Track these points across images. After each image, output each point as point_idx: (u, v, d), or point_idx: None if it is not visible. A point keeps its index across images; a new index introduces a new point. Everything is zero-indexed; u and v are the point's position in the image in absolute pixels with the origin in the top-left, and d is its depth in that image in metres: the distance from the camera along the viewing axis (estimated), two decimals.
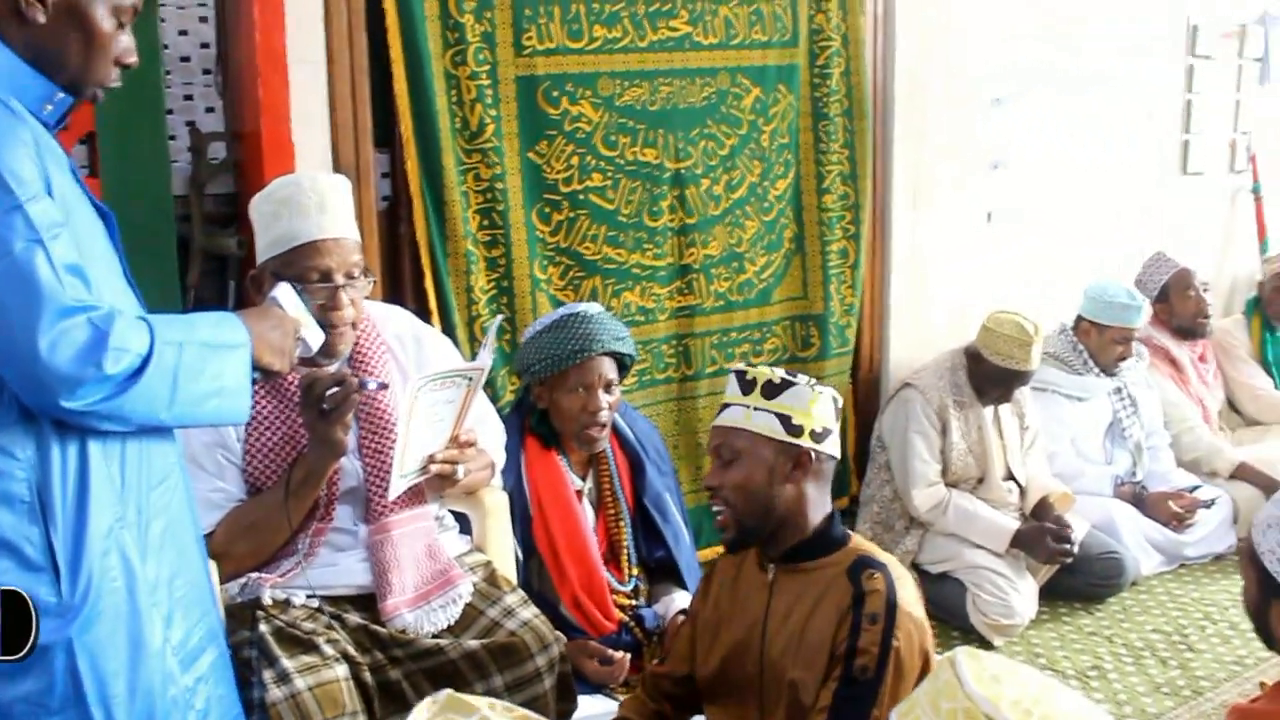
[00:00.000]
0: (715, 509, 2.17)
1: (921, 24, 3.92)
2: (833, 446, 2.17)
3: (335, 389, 2.09)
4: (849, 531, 2.20)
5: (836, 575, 2.09)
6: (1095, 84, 4.62)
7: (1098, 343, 4.01)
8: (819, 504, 2.16)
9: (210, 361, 1.62)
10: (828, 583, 2.09)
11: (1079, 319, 4.05)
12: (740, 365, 2.22)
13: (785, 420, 2.12)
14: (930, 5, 3.92)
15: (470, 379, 2.24)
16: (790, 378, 2.14)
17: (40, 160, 1.51)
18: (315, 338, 1.95)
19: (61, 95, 1.61)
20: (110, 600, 1.58)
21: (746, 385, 2.15)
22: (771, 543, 2.17)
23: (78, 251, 1.51)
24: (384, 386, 2.27)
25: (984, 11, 4.08)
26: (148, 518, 1.66)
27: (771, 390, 2.13)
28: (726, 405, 2.17)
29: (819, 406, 2.14)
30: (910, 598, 2.06)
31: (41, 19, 1.56)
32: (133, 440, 1.63)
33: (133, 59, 1.66)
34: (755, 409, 2.13)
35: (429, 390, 2.15)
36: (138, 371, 1.51)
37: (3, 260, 1.44)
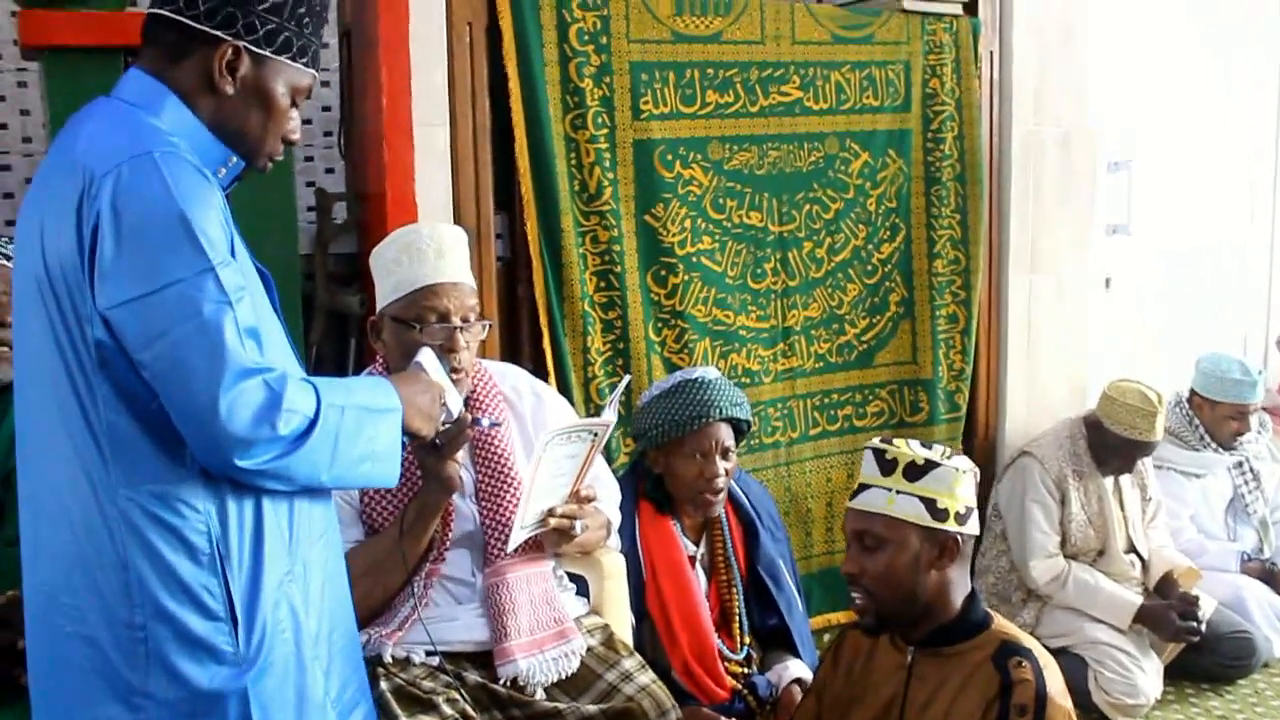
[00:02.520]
0: (854, 595, 2.10)
1: (1037, 88, 3.88)
2: (974, 526, 2.11)
3: (448, 425, 2.10)
4: (990, 612, 2.14)
5: (981, 661, 2.03)
6: (1220, 149, 4.53)
7: (1211, 418, 3.90)
8: (961, 586, 2.11)
9: (366, 425, 1.64)
10: (972, 669, 2.03)
11: (1192, 393, 3.95)
12: (878, 442, 2.13)
13: (930, 504, 2.05)
14: (1047, 69, 3.88)
15: (595, 434, 2.24)
16: (934, 458, 2.08)
17: (227, 224, 1.56)
18: (456, 403, 1.97)
19: (236, 160, 1.68)
20: (280, 651, 1.61)
21: (886, 465, 2.08)
22: (912, 627, 2.11)
23: (254, 314, 1.55)
24: (496, 425, 2.30)
25: (1102, 76, 4.03)
26: (310, 572, 1.68)
27: (915, 472, 2.06)
28: (865, 486, 2.10)
29: (962, 487, 2.08)
30: (1059, 687, 1.99)
31: (230, 91, 1.63)
32: (299, 498, 1.66)
33: (297, 136, 1.74)
34: (898, 492, 2.06)
35: (556, 444, 2.16)
36: (305, 433, 1.54)
37: (193, 321, 1.48)
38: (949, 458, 2.09)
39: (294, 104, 1.71)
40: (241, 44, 1.62)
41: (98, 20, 2.65)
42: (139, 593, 1.53)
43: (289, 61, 1.67)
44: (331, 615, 1.72)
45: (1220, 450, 3.92)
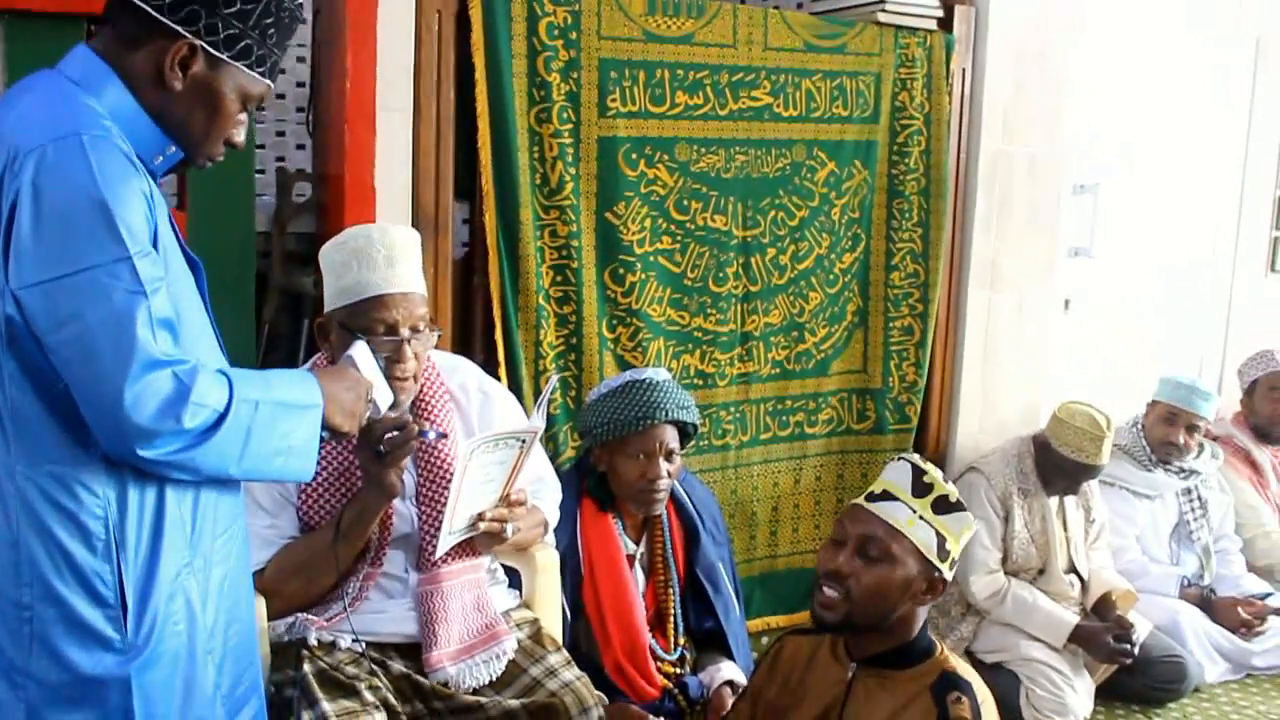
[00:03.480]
0: (828, 590, 2.07)
1: (1008, 108, 3.90)
2: (953, 574, 2.14)
3: (395, 433, 2.11)
4: (935, 640, 2.14)
5: (920, 691, 2.03)
6: (1184, 176, 4.56)
7: (1150, 422, 3.96)
8: (921, 618, 2.12)
9: (282, 421, 1.64)
10: (910, 696, 2.03)
11: (1148, 406, 4.01)
12: (918, 459, 2.13)
13: (940, 542, 2.07)
14: (1018, 90, 3.90)
15: (524, 441, 2.24)
16: (962, 503, 2.10)
17: (151, 214, 1.55)
18: (385, 399, 1.97)
19: (173, 150, 1.67)
20: (171, 643, 1.61)
21: (922, 487, 2.08)
22: (862, 642, 2.12)
23: (171, 305, 1.55)
24: (443, 436, 2.29)
25: (1071, 100, 4.06)
26: (211, 565, 1.68)
27: (944, 507, 2.08)
28: (890, 496, 2.08)
29: (966, 537, 2.11)
30: None
31: (178, 87, 1.62)
32: (205, 489, 1.66)
33: (241, 139, 1.72)
34: (921, 517, 2.06)
35: (482, 452, 2.15)
36: (213, 427, 1.54)
37: (103, 308, 1.47)
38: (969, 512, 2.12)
39: (244, 109, 1.70)
40: (199, 43, 1.61)
41: None
42: (29, 572, 1.54)
43: (244, 68, 1.66)
44: (230, 610, 1.72)
45: (1170, 471, 3.96)
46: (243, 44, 1.64)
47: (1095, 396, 3.72)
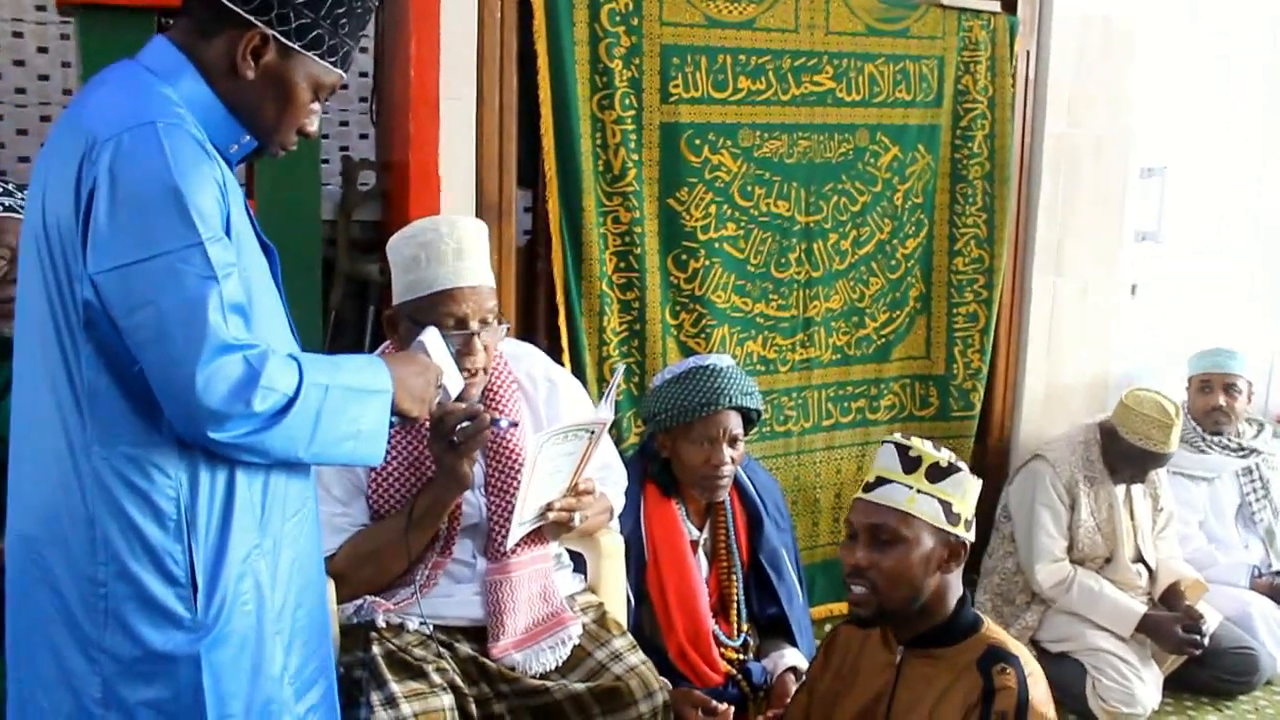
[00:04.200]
0: (855, 587, 2.10)
1: (1073, 91, 3.85)
2: (973, 534, 2.14)
3: (467, 423, 2.12)
4: (980, 615, 2.15)
5: (967, 665, 2.04)
6: (1254, 157, 4.48)
7: (1190, 398, 3.89)
8: (956, 589, 2.12)
9: (351, 405, 1.65)
10: (957, 673, 2.04)
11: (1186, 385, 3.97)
12: (899, 437, 2.14)
13: (947, 508, 2.08)
14: (1084, 72, 3.85)
15: (592, 432, 2.25)
16: (955, 463, 2.10)
17: (224, 199, 1.58)
18: (455, 385, 1.98)
19: (247, 139, 1.70)
20: (240, 623, 1.63)
21: (910, 463, 2.09)
22: (905, 625, 2.12)
23: (243, 290, 1.57)
24: (514, 425, 2.30)
25: (1138, 82, 3.99)
26: (280, 547, 1.70)
27: (938, 474, 2.08)
28: (884, 481, 2.10)
29: (972, 494, 2.12)
30: (1042, 696, 2.00)
31: (250, 76, 1.64)
32: (275, 472, 1.68)
33: (314, 129, 1.74)
34: (919, 491, 2.07)
35: (552, 444, 2.17)
36: (283, 410, 1.56)
37: (176, 293, 1.50)
38: (968, 472, 2.11)
39: (316, 99, 1.72)
40: (271, 33, 1.63)
41: None
42: (104, 550, 1.57)
43: (316, 58, 1.67)
44: (299, 592, 1.74)
45: (1228, 451, 3.89)
46: (314, 34, 1.66)
47: (1163, 383, 3.67)
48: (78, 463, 1.57)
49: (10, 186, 2.29)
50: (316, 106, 1.73)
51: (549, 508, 2.27)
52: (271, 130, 1.70)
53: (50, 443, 1.59)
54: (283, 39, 1.64)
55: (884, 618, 2.11)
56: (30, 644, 1.64)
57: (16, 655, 1.67)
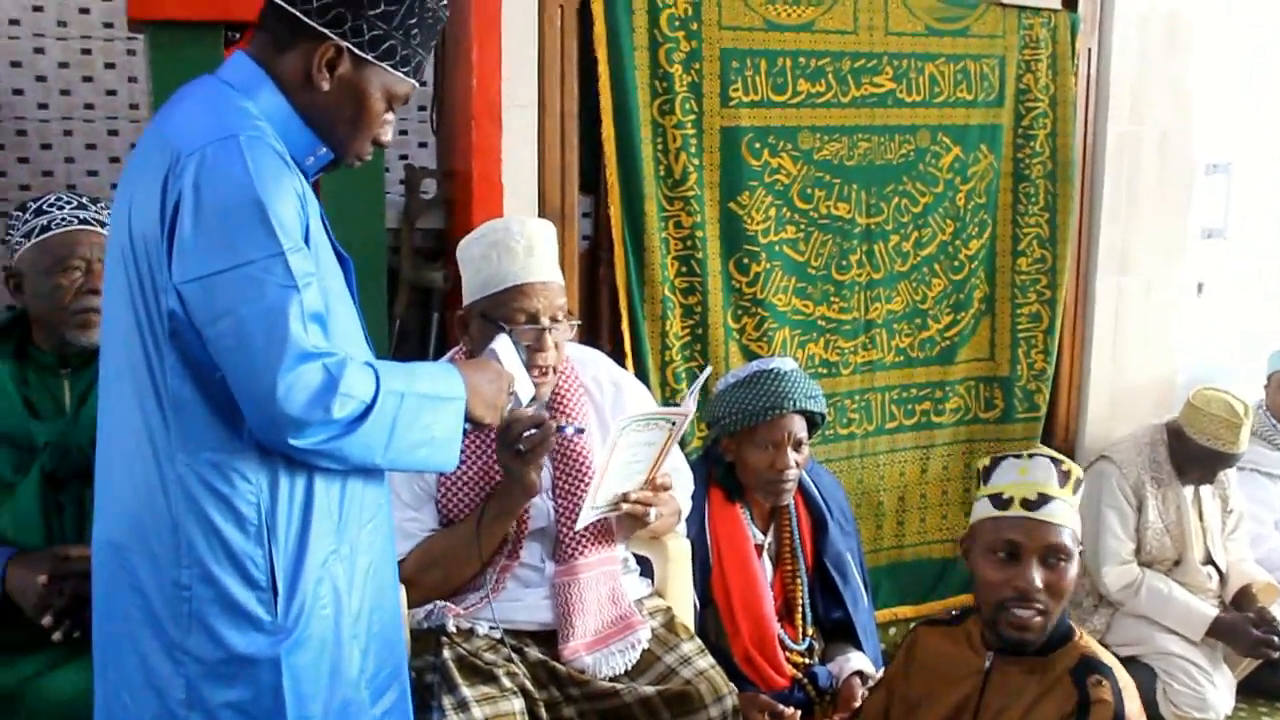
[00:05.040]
0: (1023, 611, 2.02)
1: (1135, 88, 3.80)
2: None
3: (533, 431, 2.13)
4: (1072, 624, 2.12)
5: (1060, 675, 2.01)
6: None
7: (1270, 397, 3.82)
8: None
9: (426, 412, 1.67)
10: (1050, 683, 2.02)
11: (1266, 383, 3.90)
12: (1044, 450, 2.15)
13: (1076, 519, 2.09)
14: (1146, 69, 3.80)
15: (674, 423, 2.26)
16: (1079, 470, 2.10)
17: (303, 210, 1.61)
18: (526, 392, 1.99)
19: (324, 151, 1.73)
20: (319, 626, 1.66)
21: (1063, 477, 2.08)
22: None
23: (321, 299, 1.60)
24: (580, 432, 2.31)
25: (1202, 77, 3.94)
26: (357, 553, 1.73)
27: (1077, 487, 2.09)
28: (1048, 498, 2.05)
29: None
30: (1136, 709, 1.97)
31: (325, 87, 1.67)
32: (352, 478, 1.71)
33: (388, 139, 1.77)
34: (1071, 506, 2.07)
35: (633, 430, 2.17)
36: (360, 417, 1.58)
37: (259, 302, 1.53)
38: None
39: (390, 108, 1.74)
40: (345, 44, 1.66)
41: None
42: (187, 554, 1.60)
43: (390, 69, 1.70)
44: (374, 597, 1.76)
45: None
46: (387, 44, 1.68)
47: (1230, 382, 3.62)
48: (162, 469, 1.60)
49: (85, 200, 2.34)
50: (390, 116, 1.76)
51: (624, 498, 2.28)
52: (347, 140, 1.73)
53: (136, 450, 1.62)
54: (356, 50, 1.67)
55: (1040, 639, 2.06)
56: (117, 647, 1.67)
57: (104, 658, 1.71)
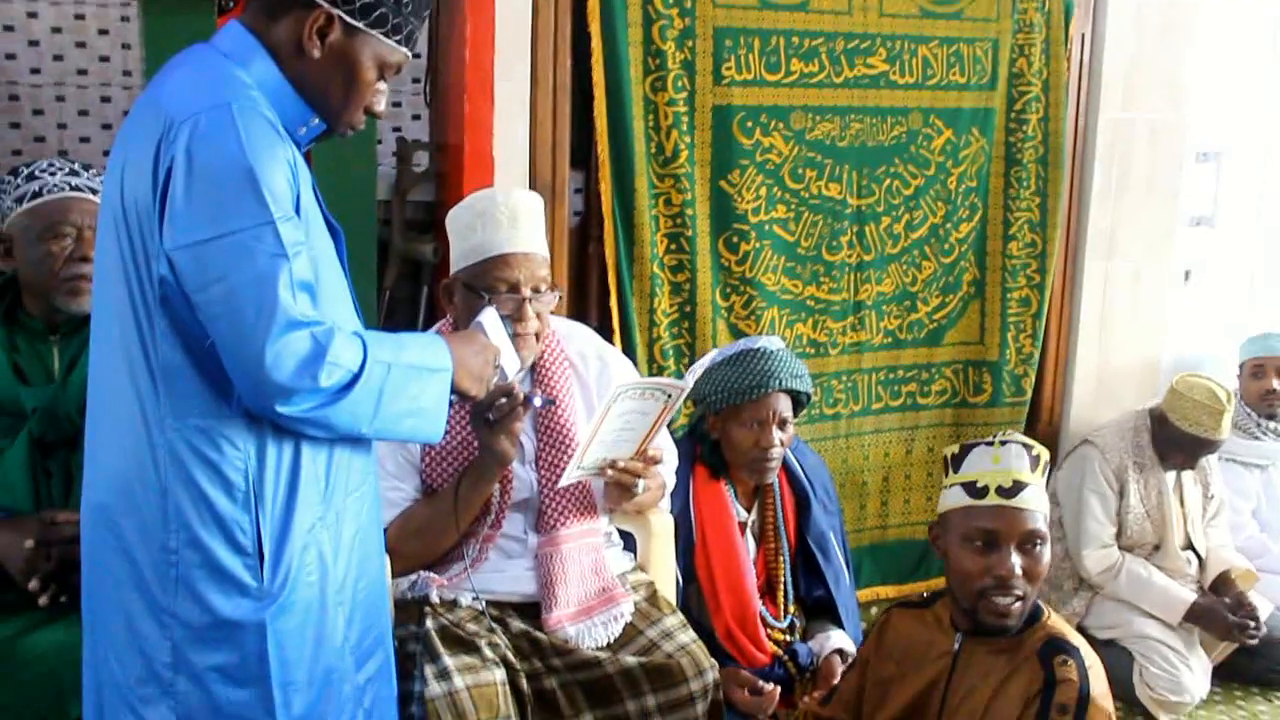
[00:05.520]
0: (1003, 599, 2.04)
1: (1128, 75, 3.81)
2: None
3: (502, 400, 2.15)
4: (1041, 605, 2.13)
5: (1027, 656, 2.03)
6: None
7: (1243, 384, 3.85)
8: None
9: (413, 383, 1.69)
10: (1017, 663, 2.03)
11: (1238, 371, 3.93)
12: (1016, 436, 2.13)
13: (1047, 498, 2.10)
14: (1140, 56, 3.81)
15: (669, 396, 2.27)
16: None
17: (294, 180, 1.61)
18: (512, 365, 2.00)
19: (316, 121, 1.73)
20: (304, 593, 1.67)
21: (1034, 461, 2.09)
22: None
23: (311, 269, 1.61)
24: (550, 403, 2.33)
25: (1194, 66, 3.95)
26: (343, 520, 1.74)
27: (1045, 469, 2.10)
28: (1021, 485, 2.06)
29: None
30: (1102, 689, 1.99)
31: (317, 55, 1.68)
32: (339, 447, 1.72)
33: (381, 108, 1.77)
34: (1041, 490, 2.08)
35: (628, 397, 2.19)
36: (347, 386, 1.59)
37: (248, 270, 1.54)
38: None
39: (382, 78, 1.74)
40: (336, 12, 1.66)
41: None
42: (175, 519, 1.61)
43: (381, 37, 1.70)
44: (360, 565, 1.78)
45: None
46: (378, 12, 1.68)
47: (1215, 369, 3.64)
48: (151, 435, 1.61)
49: (77, 166, 2.34)
50: (383, 86, 1.76)
51: (612, 465, 2.30)
52: (339, 109, 1.73)
53: (126, 415, 1.63)
54: (347, 18, 1.67)
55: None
56: (104, 610, 1.69)
57: (92, 619, 1.72)
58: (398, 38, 1.72)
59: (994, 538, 2.05)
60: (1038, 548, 2.04)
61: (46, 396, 2.25)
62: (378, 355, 1.62)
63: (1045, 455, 2.11)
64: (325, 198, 1.78)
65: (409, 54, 1.76)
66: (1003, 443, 2.11)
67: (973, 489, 2.09)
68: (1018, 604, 2.04)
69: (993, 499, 2.06)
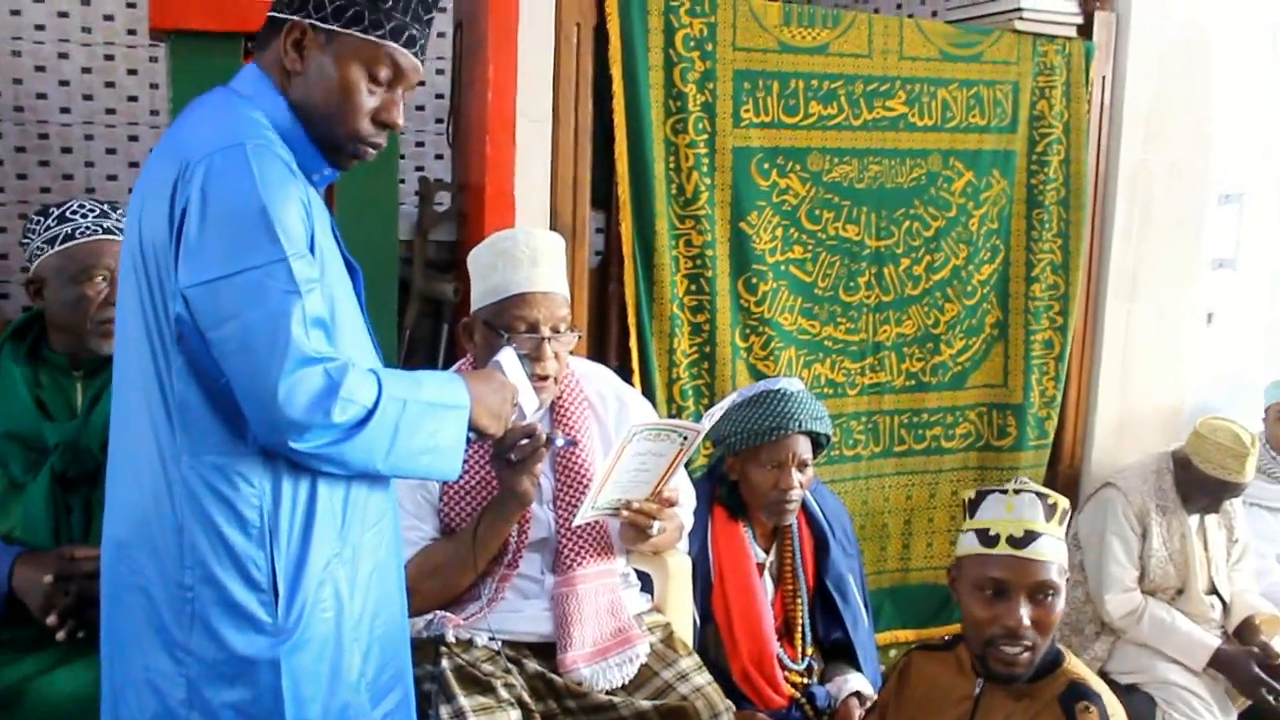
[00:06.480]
0: (1011, 649, 2.03)
1: (1150, 116, 3.81)
2: None
3: (525, 441, 2.15)
4: (1062, 649, 2.12)
5: (1049, 702, 2.02)
6: None
7: (1269, 428, 3.81)
8: None
9: (429, 420, 1.69)
10: (1039, 709, 2.02)
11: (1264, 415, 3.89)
12: (1030, 484, 2.12)
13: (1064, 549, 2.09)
14: (1161, 98, 3.81)
15: (685, 438, 2.27)
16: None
17: (308, 217, 1.63)
18: (530, 404, 2.01)
19: (329, 171, 1.75)
20: (319, 629, 1.67)
21: (1050, 511, 2.08)
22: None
23: (326, 305, 1.62)
24: (573, 444, 2.33)
25: (1216, 108, 3.95)
26: (360, 557, 1.74)
27: (1064, 518, 2.09)
28: (1034, 534, 2.05)
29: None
30: None
31: (299, 69, 1.70)
32: (356, 484, 1.73)
33: (394, 117, 1.75)
34: (1058, 539, 2.07)
35: (644, 438, 2.19)
36: (361, 422, 1.60)
37: (261, 307, 1.55)
38: None
39: (379, 82, 1.72)
40: (307, 21, 1.68)
41: (221, 6, 2.76)
42: (190, 556, 1.62)
43: (360, 34, 1.69)
44: (377, 601, 1.78)
45: None
46: (351, 11, 1.68)
47: (1238, 412, 3.61)
48: (168, 472, 1.63)
49: (105, 208, 2.37)
50: (390, 94, 1.74)
51: (627, 506, 2.30)
52: (335, 123, 1.71)
53: (144, 452, 1.65)
54: (319, 24, 1.68)
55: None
56: (122, 646, 1.70)
57: (110, 657, 1.73)
58: (379, 32, 1.69)
59: (1004, 587, 2.04)
60: (1049, 599, 2.03)
61: (70, 432, 2.27)
62: (393, 392, 1.63)
63: (1063, 505, 2.09)
64: (346, 236, 1.79)
65: (397, 46, 1.72)
66: (1017, 491, 2.10)
67: (985, 537, 2.08)
68: (1026, 654, 2.03)
69: (1004, 548, 2.06)
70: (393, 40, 1.71)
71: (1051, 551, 2.04)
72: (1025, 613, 2.02)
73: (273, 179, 1.59)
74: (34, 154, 3.61)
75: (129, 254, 1.67)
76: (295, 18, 1.68)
